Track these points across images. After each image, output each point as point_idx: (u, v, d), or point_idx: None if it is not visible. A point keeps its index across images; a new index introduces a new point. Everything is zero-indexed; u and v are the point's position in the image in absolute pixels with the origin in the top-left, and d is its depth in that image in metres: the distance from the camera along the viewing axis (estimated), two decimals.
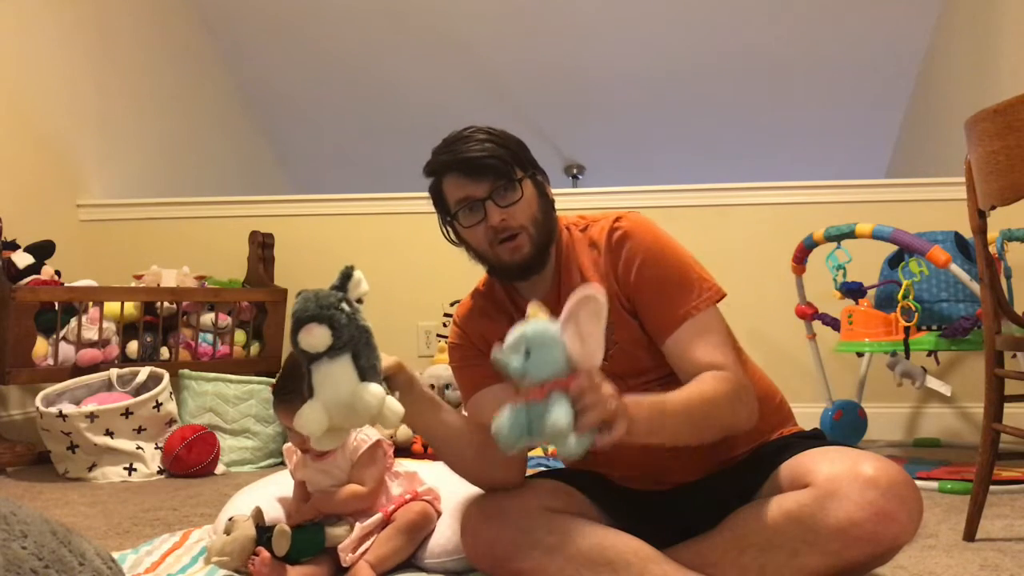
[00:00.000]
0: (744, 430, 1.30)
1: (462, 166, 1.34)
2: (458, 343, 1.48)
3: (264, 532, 1.45)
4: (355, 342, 1.16)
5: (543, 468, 2.12)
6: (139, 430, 2.65)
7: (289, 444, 1.61)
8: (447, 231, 1.43)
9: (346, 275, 1.19)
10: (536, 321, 1.07)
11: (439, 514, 1.58)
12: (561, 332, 1.05)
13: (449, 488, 1.59)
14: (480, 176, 1.33)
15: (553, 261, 1.39)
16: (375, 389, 1.15)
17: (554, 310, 1.25)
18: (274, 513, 1.58)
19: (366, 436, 1.54)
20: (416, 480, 1.61)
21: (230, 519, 1.49)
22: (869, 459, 1.18)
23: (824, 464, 1.20)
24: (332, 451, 1.52)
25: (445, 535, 1.51)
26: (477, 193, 1.33)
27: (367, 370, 1.16)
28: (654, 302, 1.32)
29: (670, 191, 3.44)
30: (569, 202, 3.29)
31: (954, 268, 2.44)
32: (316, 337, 1.13)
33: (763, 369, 1.50)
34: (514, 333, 1.06)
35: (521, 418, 1.04)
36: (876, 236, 2.57)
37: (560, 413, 1.02)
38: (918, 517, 1.17)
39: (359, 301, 1.19)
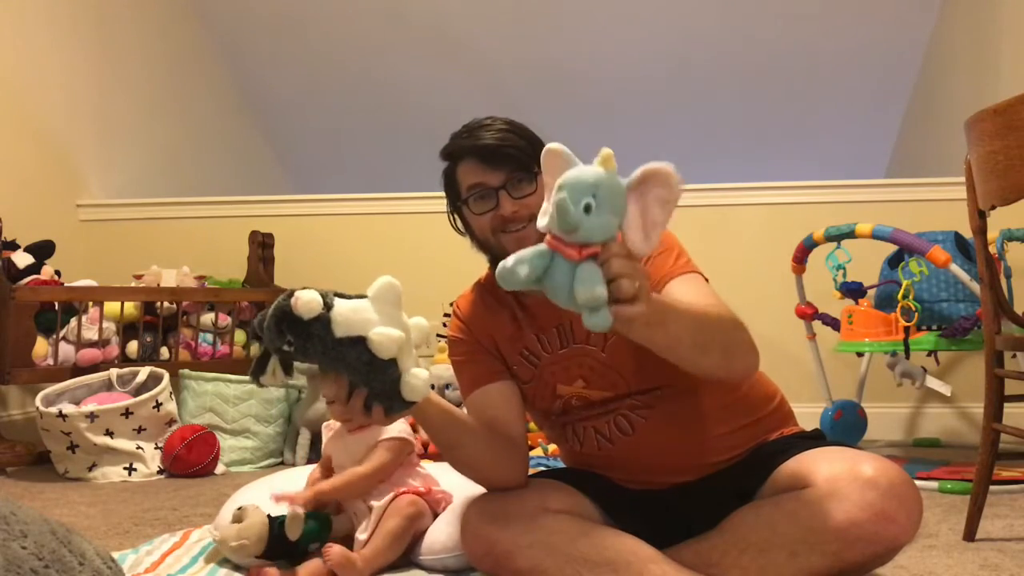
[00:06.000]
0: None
1: (481, 152, 1.34)
2: (461, 338, 1.47)
3: (274, 519, 1.48)
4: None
5: (543, 468, 2.12)
6: (139, 430, 2.65)
7: (329, 421, 1.67)
8: (454, 219, 1.43)
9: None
10: (610, 176, 0.94)
11: (436, 514, 1.58)
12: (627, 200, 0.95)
13: (448, 487, 1.61)
14: (497, 165, 1.33)
15: None
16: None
17: (548, 308, 1.21)
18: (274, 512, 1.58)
19: (398, 431, 1.57)
20: (432, 480, 1.62)
21: (239, 508, 1.51)
22: (869, 460, 1.18)
23: (824, 464, 1.20)
24: (365, 426, 1.56)
25: (445, 532, 1.51)
26: (491, 181, 1.34)
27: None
28: (652, 264, 1.32)
29: None
30: None
31: (954, 268, 2.44)
32: (306, 299, 1.14)
33: (763, 369, 1.50)
34: (585, 176, 0.93)
35: (544, 264, 0.94)
36: (876, 236, 2.57)
37: (597, 282, 0.91)
38: (918, 518, 1.17)
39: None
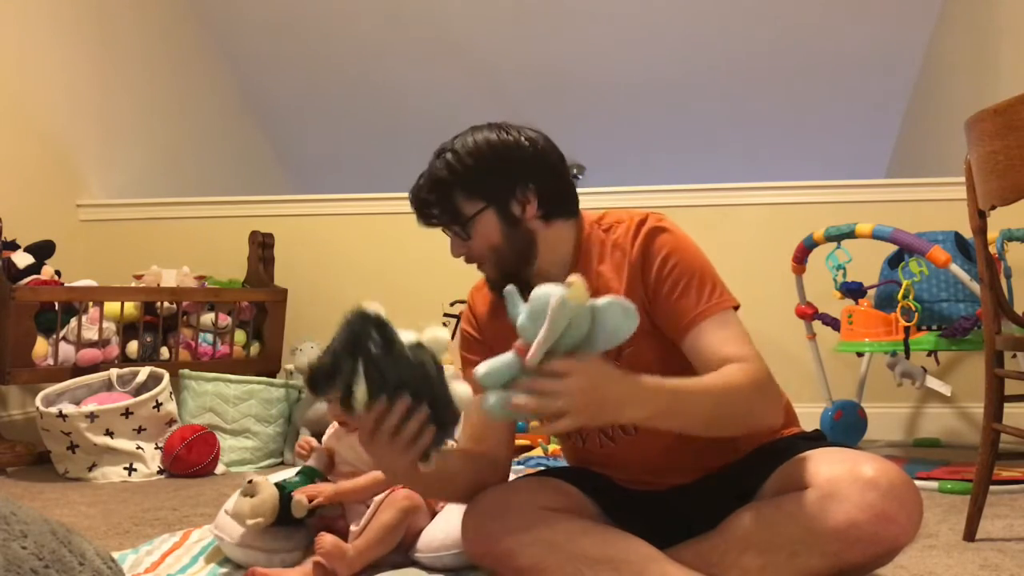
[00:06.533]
0: (768, 427, 1.28)
1: (413, 206, 1.37)
2: (472, 335, 1.48)
3: (284, 490, 1.52)
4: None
5: (543, 468, 2.12)
6: (139, 430, 2.65)
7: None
8: None
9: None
10: (556, 296, 1.05)
11: (434, 513, 1.60)
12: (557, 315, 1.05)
13: None
14: (426, 224, 1.37)
15: (570, 263, 1.37)
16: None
17: None
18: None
19: None
20: None
21: (249, 481, 1.54)
22: (869, 460, 1.18)
23: (824, 465, 1.20)
24: None
25: (444, 530, 1.52)
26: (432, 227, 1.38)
27: None
28: (677, 296, 1.30)
29: (670, 191, 3.44)
30: None
31: (954, 268, 2.44)
32: (377, 305, 1.11)
33: None
34: (537, 296, 1.07)
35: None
36: (876, 236, 2.57)
37: (502, 375, 1.05)
38: (918, 519, 1.17)
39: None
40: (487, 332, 1.45)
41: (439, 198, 1.33)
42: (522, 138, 1.35)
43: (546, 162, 1.36)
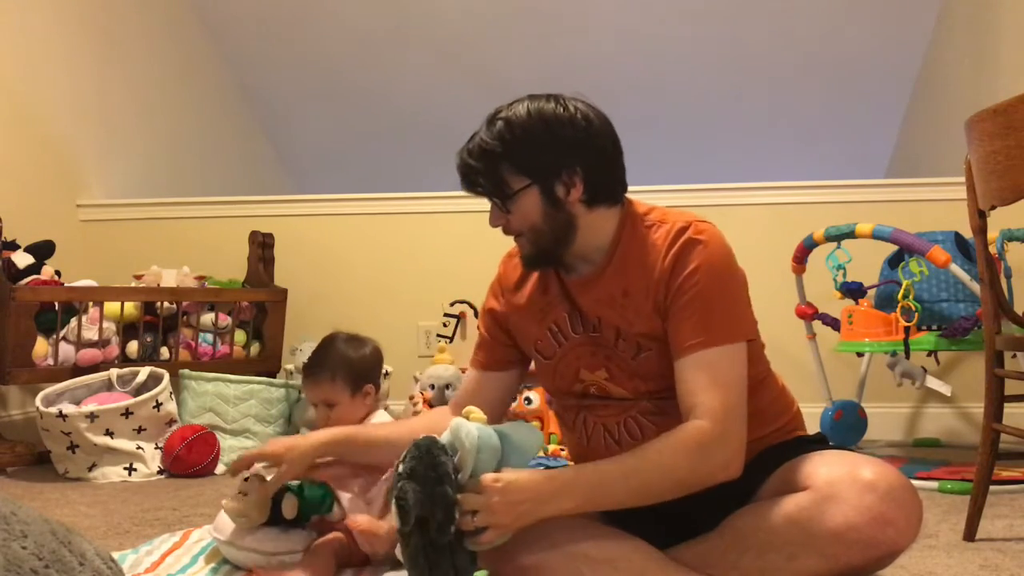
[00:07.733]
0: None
1: (459, 171, 1.34)
2: (494, 309, 1.47)
3: (280, 491, 1.51)
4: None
5: (543, 468, 2.11)
6: (139, 430, 2.65)
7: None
8: None
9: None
10: (481, 429, 1.20)
11: None
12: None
13: None
14: (470, 188, 1.34)
15: (607, 251, 1.34)
16: None
17: (596, 299, 1.33)
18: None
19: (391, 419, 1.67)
20: None
21: (246, 479, 1.52)
22: (868, 463, 1.18)
23: (823, 467, 1.20)
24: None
25: None
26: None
27: None
28: (682, 317, 1.26)
29: (670, 191, 3.44)
30: None
31: (954, 268, 2.44)
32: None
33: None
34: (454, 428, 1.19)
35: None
36: (876, 236, 2.57)
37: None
38: (917, 522, 1.17)
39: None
40: (511, 304, 1.44)
41: (486, 168, 1.30)
42: (578, 115, 1.29)
43: (598, 145, 1.31)
